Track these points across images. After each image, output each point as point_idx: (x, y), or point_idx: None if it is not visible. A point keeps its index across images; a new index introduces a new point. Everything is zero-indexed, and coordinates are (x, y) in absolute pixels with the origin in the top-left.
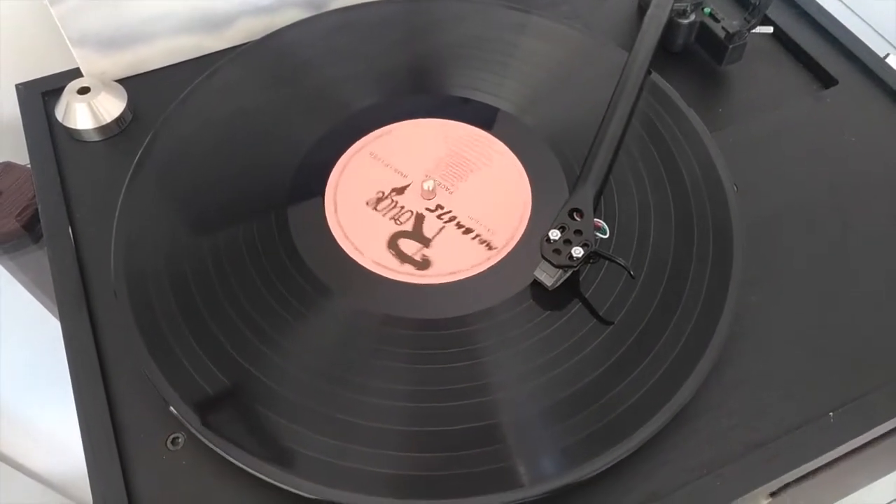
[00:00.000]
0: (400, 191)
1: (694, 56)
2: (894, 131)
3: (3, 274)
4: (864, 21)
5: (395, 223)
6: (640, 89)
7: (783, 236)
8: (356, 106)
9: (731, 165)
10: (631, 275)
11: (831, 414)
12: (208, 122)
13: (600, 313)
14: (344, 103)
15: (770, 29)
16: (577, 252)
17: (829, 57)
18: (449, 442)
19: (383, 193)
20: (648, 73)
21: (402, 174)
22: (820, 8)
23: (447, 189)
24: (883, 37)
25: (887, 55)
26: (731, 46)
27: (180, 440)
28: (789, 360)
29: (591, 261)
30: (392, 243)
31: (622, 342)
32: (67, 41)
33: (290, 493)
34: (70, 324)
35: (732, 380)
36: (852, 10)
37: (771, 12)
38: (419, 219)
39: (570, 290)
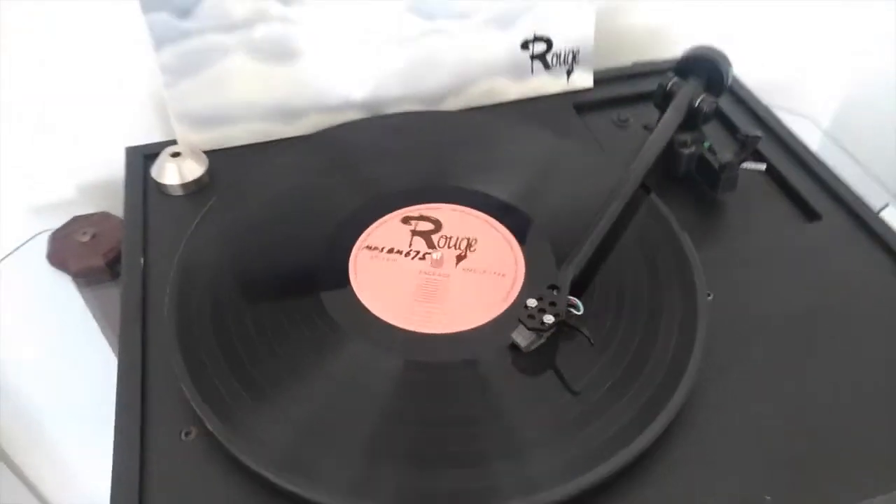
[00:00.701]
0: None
1: (694, 183)
2: (870, 265)
3: (80, 311)
4: (864, 169)
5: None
6: (633, 195)
7: (751, 345)
8: (386, 189)
9: (713, 279)
10: (591, 342)
11: (768, 498)
12: (267, 192)
13: (566, 380)
14: (373, 190)
15: (763, 166)
16: (549, 319)
17: (814, 194)
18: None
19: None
20: (648, 191)
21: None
22: (807, 149)
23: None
24: (883, 185)
25: (886, 205)
26: (723, 176)
27: (192, 433)
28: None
29: (563, 330)
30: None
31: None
32: (172, 117)
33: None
34: (126, 332)
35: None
36: (855, 159)
37: (766, 150)
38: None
39: (544, 355)
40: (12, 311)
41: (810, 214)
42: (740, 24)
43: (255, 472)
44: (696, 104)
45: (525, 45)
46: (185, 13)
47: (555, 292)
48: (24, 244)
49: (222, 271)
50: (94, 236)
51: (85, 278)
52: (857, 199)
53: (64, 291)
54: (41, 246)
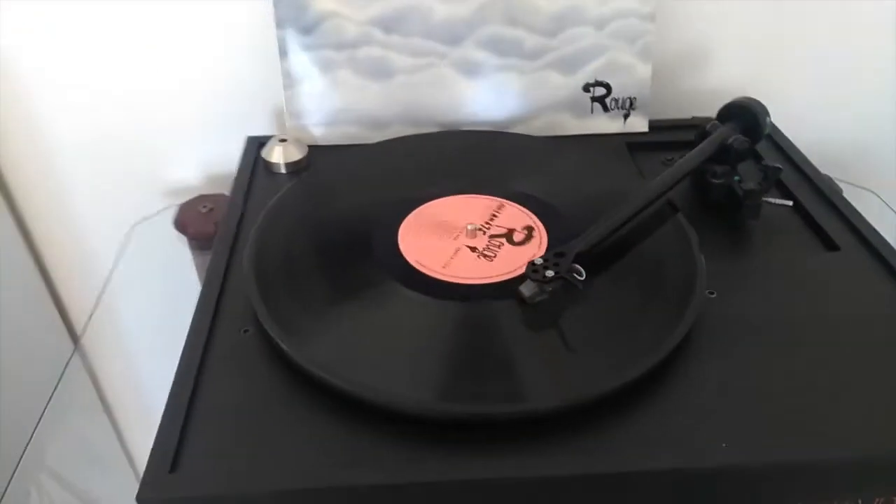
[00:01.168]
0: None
1: (722, 213)
2: (882, 295)
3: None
4: None
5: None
6: (660, 211)
7: (748, 343)
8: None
9: (720, 285)
10: (580, 287)
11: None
12: (337, 181)
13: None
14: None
15: (790, 203)
16: (549, 273)
17: (835, 228)
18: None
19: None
20: (676, 210)
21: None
22: (833, 188)
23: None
24: None
25: None
26: (746, 203)
27: (249, 331)
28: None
29: (562, 286)
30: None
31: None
32: (286, 114)
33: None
34: (213, 266)
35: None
36: None
37: (796, 191)
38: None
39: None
40: (140, 265)
41: (830, 245)
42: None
43: (294, 364)
44: (729, 141)
45: (587, 88)
46: (307, 30)
47: (560, 259)
48: (159, 212)
49: (298, 224)
50: (210, 210)
51: (198, 241)
52: (877, 234)
53: (181, 254)
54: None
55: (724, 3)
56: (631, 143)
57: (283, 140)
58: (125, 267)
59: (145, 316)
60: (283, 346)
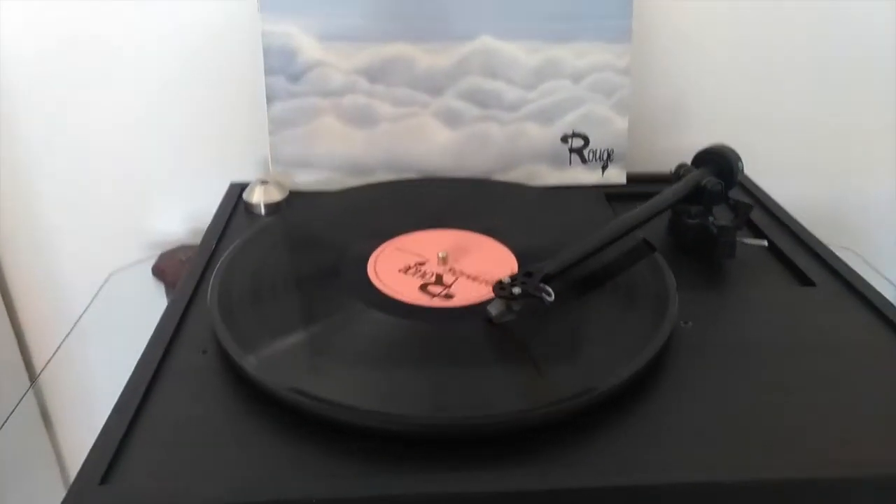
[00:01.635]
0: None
1: (699, 256)
2: (858, 323)
3: None
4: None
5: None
6: (636, 250)
7: (723, 366)
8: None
9: (697, 315)
10: (548, 302)
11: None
12: (313, 217)
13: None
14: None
15: (765, 242)
16: (516, 290)
17: (809, 265)
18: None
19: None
20: (653, 249)
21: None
22: (805, 230)
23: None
24: None
25: None
26: (720, 240)
27: (207, 352)
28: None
29: (530, 306)
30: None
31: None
32: (270, 159)
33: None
34: (178, 292)
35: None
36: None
37: (764, 226)
38: (438, 276)
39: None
40: (113, 313)
41: (805, 281)
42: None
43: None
44: (703, 183)
45: (565, 139)
46: (295, 78)
47: (529, 277)
48: (139, 262)
49: (269, 253)
50: (189, 258)
51: (174, 289)
52: (850, 269)
53: (156, 304)
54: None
55: (701, 61)
56: (610, 195)
57: (264, 182)
58: (97, 314)
59: (111, 363)
60: (238, 359)
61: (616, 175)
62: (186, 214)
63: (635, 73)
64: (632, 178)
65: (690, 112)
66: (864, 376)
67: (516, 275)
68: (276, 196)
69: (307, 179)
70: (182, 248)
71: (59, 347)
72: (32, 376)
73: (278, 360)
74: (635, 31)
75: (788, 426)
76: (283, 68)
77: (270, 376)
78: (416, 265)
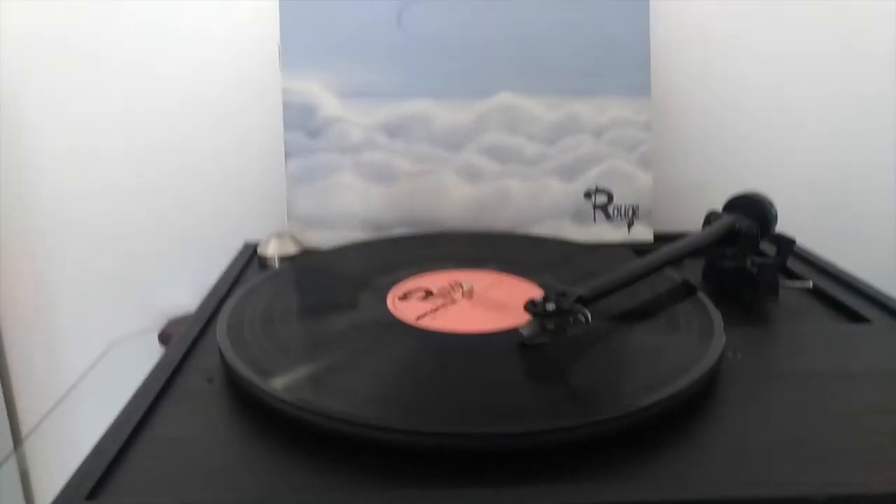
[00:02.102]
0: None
1: (739, 297)
2: None
3: None
4: None
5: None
6: (662, 266)
7: (772, 390)
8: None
9: (745, 348)
10: (587, 321)
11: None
12: (331, 260)
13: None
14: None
15: (810, 283)
16: (550, 307)
17: (860, 304)
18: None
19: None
20: (693, 291)
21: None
22: (850, 274)
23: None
24: None
25: None
26: (761, 278)
27: (213, 380)
28: None
29: (565, 324)
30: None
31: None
32: (287, 215)
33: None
34: (187, 329)
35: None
36: None
37: (803, 273)
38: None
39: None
40: (112, 380)
41: (857, 318)
42: None
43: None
44: (737, 226)
45: (588, 195)
46: (315, 134)
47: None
48: (144, 331)
49: (284, 289)
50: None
51: None
52: None
53: None
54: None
55: (724, 117)
56: (638, 250)
57: (280, 236)
58: (95, 380)
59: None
60: (244, 374)
61: (643, 232)
62: (197, 283)
63: (658, 129)
64: (659, 237)
65: (717, 168)
66: None
67: (548, 294)
68: (291, 249)
69: (324, 236)
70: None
71: (49, 412)
72: (17, 442)
73: (293, 377)
74: (655, 87)
75: (836, 448)
76: (302, 124)
77: (287, 393)
78: (439, 294)
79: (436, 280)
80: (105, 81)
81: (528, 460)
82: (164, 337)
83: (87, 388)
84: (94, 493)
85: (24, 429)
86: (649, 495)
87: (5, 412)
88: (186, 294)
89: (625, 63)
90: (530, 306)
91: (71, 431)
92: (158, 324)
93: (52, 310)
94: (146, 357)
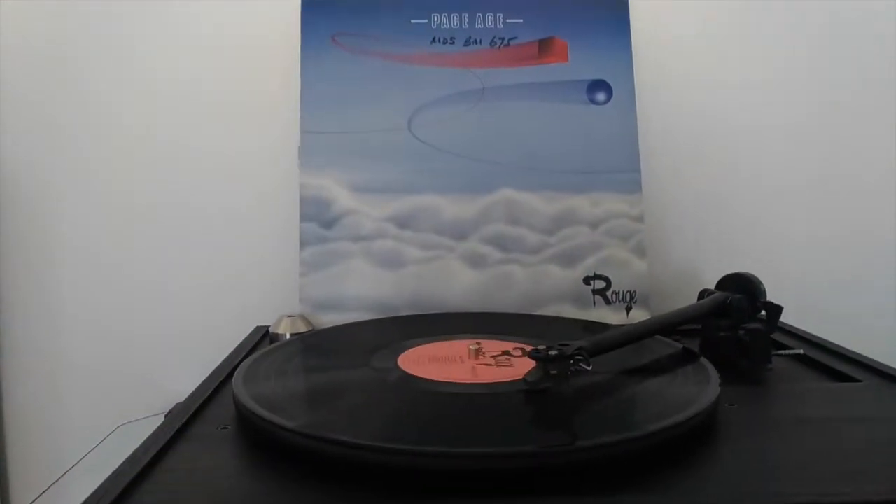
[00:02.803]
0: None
1: (735, 365)
2: None
3: None
4: None
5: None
6: (659, 331)
7: (767, 437)
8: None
9: (743, 403)
10: (588, 367)
11: None
12: (344, 333)
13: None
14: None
15: (801, 350)
16: (553, 352)
17: (851, 368)
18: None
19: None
20: (696, 357)
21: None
22: (837, 345)
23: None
24: None
25: None
26: (753, 345)
27: (228, 428)
28: None
29: (570, 369)
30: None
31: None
32: (299, 299)
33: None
34: (199, 389)
35: None
36: None
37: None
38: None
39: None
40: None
41: (848, 379)
42: None
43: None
44: (729, 301)
45: (587, 281)
46: (328, 224)
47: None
48: (149, 417)
49: (297, 353)
50: None
51: None
52: (892, 368)
53: None
54: None
55: (712, 204)
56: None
57: (291, 316)
58: (98, 461)
59: None
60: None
61: (641, 316)
62: (205, 368)
63: (651, 221)
64: None
65: (709, 254)
66: None
67: (552, 345)
68: (303, 329)
69: (334, 318)
70: None
71: (45, 490)
72: None
73: (304, 413)
74: (646, 182)
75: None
76: (316, 216)
77: (299, 425)
78: (448, 358)
79: (446, 345)
80: (125, 175)
81: (537, 480)
82: (167, 414)
83: (91, 470)
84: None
85: None
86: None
87: None
88: (195, 379)
89: (616, 163)
90: (534, 353)
91: None
92: (165, 407)
93: (59, 392)
94: None
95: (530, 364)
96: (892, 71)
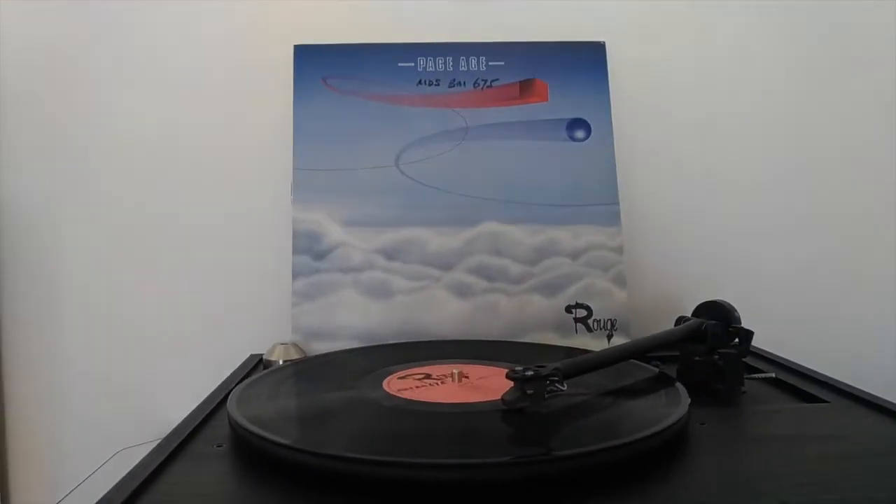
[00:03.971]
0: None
1: (710, 389)
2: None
3: None
4: None
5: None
6: (634, 355)
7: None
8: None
9: (713, 422)
10: (560, 389)
11: None
12: (336, 359)
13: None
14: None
15: (773, 374)
16: (528, 373)
17: (820, 391)
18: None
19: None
20: (672, 382)
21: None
22: (808, 369)
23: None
24: None
25: None
26: (726, 368)
27: (223, 446)
28: None
29: (545, 389)
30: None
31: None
32: (291, 328)
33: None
34: (193, 414)
35: None
36: None
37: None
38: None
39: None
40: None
41: (816, 401)
42: None
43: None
44: (703, 327)
45: (568, 309)
46: (320, 256)
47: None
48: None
49: (290, 378)
50: None
51: None
52: (860, 390)
53: None
54: None
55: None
56: None
57: (284, 344)
58: (92, 488)
59: None
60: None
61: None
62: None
63: (631, 250)
64: None
65: (687, 284)
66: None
67: (528, 367)
68: (294, 356)
69: (325, 346)
70: None
71: None
72: None
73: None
74: (625, 215)
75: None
76: (308, 248)
77: (289, 440)
78: (430, 379)
79: (430, 369)
80: (124, 202)
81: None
82: None
83: (90, 494)
84: None
85: None
86: None
87: None
88: (190, 407)
89: (596, 197)
90: (511, 374)
91: None
92: (162, 434)
93: (59, 419)
94: None
95: (508, 385)
96: (877, 102)
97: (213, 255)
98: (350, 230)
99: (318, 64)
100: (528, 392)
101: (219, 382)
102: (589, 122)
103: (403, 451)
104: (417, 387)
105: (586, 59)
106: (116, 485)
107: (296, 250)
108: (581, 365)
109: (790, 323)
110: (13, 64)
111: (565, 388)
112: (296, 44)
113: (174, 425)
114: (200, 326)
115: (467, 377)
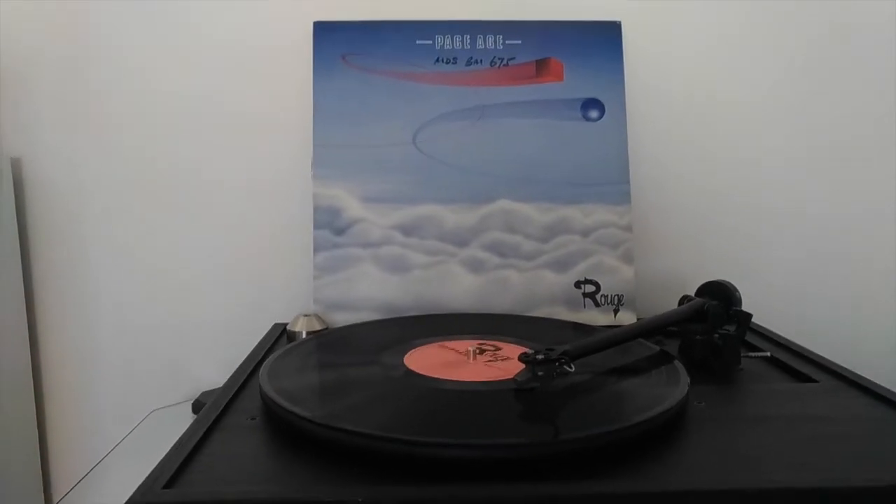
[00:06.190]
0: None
1: (709, 367)
2: (858, 405)
3: None
4: None
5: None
6: (640, 335)
7: (738, 431)
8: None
9: (712, 402)
10: (568, 370)
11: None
12: (359, 331)
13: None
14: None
15: (768, 353)
16: (539, 356)
17: (812, 370)
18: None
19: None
20: (671, 359)
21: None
22: (803, 348)
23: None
24: None
25: None
26: (724, 348)
27: (256, 418)
28: None
29: (555, 371)
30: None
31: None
32: (313, 300)
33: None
34: (225, 388)
35: None
36: None
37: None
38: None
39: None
40: (148, 449)
41: (808, 380)
42: None
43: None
44: (705, 307)
45: (578, 285)
46: (340, 231)
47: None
48: (180, 403)
49: (317, 349)
50: None
51: None
52: (848, 370)
53: None
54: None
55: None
56: None
57: (307, 315)
58: (132, 446)
59: None
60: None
61: (627, 318)
62: (227, 360)
63: (638, 230)
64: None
65: (692, 262)
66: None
67: (539, 349)
68: (317, 327)
69: (345, 318)
70: None
71: (84, 476)
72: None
73: (321, 406)
74: (635, 194)
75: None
76: (329, 223)
77: (318, 416)
78: (450, 357)
79: (449, 345)
80: (152, 180)
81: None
82: (197, 406)
83: (127, 453)
84: (169, 483)
85: (56, 493)
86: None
87: (41, 481)
88: (219, 367)
89: (607, 176)
90: (523, 357)
91: (113, 491)
92: (192, 396)
93: (93, 382)
94: (182, 424)
95: (522, 365)
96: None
97: (239, 226)
98: (368, 206)
99: (337, 41)
100: (539, 374)
101: (244, 347)
102: (603, 101)
103: (422, 430)
104: (436, 363)
105: (601, 39)
106: (166, 456)
107: (317, 224)
108: (588, 346)
109: (792, 303)
110: (38, 28)
111: (573, 370)
112: (315, 20)
113: (203, 386)
114: (228, 296)
115: (483, 353)
